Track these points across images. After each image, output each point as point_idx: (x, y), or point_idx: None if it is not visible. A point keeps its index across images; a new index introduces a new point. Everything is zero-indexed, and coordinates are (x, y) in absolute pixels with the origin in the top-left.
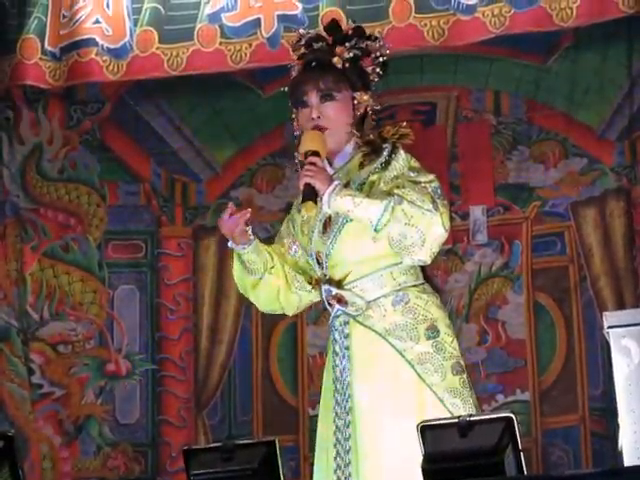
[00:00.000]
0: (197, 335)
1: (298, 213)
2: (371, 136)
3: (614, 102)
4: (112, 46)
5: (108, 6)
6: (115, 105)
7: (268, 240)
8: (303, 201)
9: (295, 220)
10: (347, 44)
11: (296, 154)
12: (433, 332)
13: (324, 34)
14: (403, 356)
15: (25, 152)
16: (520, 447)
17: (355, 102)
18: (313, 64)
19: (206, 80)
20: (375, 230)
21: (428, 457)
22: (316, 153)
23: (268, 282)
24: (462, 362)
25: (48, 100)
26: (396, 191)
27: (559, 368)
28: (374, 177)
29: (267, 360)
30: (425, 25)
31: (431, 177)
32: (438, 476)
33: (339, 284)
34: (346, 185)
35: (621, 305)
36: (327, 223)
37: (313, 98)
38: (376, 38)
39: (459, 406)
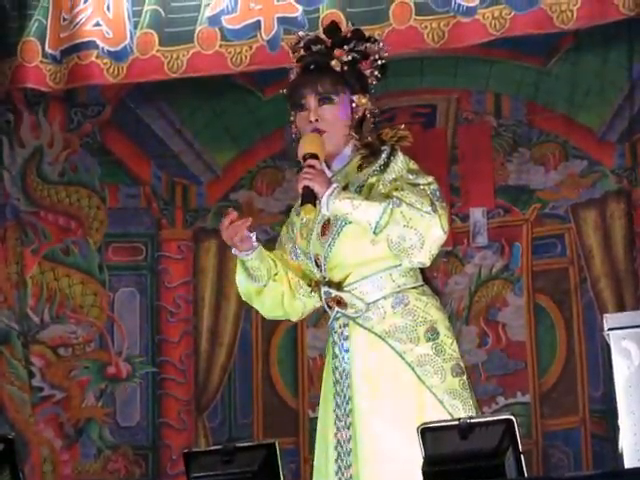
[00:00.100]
0: (197, 338)
1: (297, 216)
2: (370, 139)
3: (614, 104)
4: (112, 49)
5: (108, 9)
6: (115, 108)
7: (268, 242)
8: (302, 204)
9: (294, 223)
10: (346, 47)
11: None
12: (433, 334)
13: (323, 37)
14: (403, 358)
15: (26, 155)
16: (520, 449)
17: (353, 105)
18: (311, 67)
19: (206, 83)
20: (374, 232)
21: (428, 459)
22: (315, 156)
23: (272, 289)
24: (462, 364)
25: (49, 103)
26: (395, 193)
27: (559, 370)
28: (373, 179)
29: (267, 362)
30: (425, 27)
31: (430, 179)
32: (439, 478)
33: (338, 286)
34: (345, 188)
35: (621, 307)
36: (326, 226)
37: (311, 101)
38: (375, 40)
39: (459, 408)
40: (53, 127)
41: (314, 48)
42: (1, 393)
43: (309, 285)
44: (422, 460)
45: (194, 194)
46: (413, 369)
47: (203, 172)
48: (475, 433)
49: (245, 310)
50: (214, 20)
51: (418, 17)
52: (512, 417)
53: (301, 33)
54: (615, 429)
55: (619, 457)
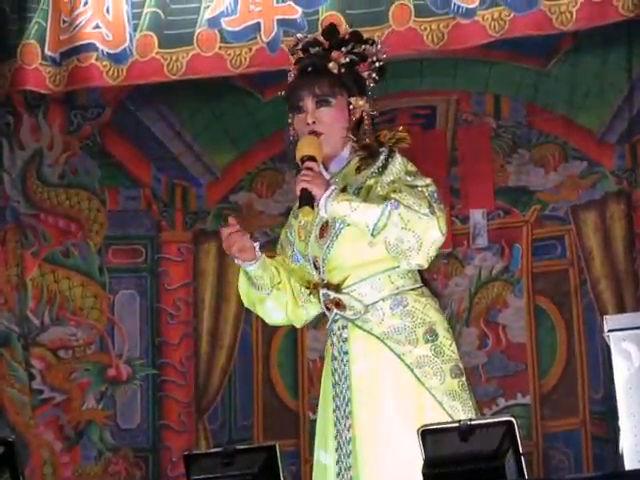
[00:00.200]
0: (197, 340)
1: (295, 219)
2: (368, 140)
3: (614, 105)
4: (112, 51)
5: (108, 11)
6: (115, 110)
7: (268, 244)
8: (300, 206)
9: (292, 226)
10: (343, 49)
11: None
12: (431, 335)
13: (321, 39)
14: (402, 360)
15: (25, 157)
16: (521, 451)
17: (351, 107)
18: (309, 69)
19: (206, 85)
20: (372, 235)
21: (429, 461)
22: (312, 158)
23: (276, 298)
24: (461, 365)
25: (48, 105)
26: (393, 195)
27: (559, 371)
28: (371, 181)
29: (267, 364)
30: (425, 29)
31: (428, 181)
32: None
33: (337, 288)
34: (343, 190)
35: (621, 308)
36: (324, 228)
37: (309, 103)
38: (373, 42)
39: (458, 409)
40: (53, 129)
41: (312, 50)
42: (1, 395)
43: (307, 287)
44: (422, 462)
45: (194, 196)
46: (412, 370)
47: (203, 174)
48: (475, 435)
49: (245, 312)
50: (214, 22)
51: (418, 19)
52: (512, 419)
53: (299, 35)
54: (615, 430)
55: (619, 459)
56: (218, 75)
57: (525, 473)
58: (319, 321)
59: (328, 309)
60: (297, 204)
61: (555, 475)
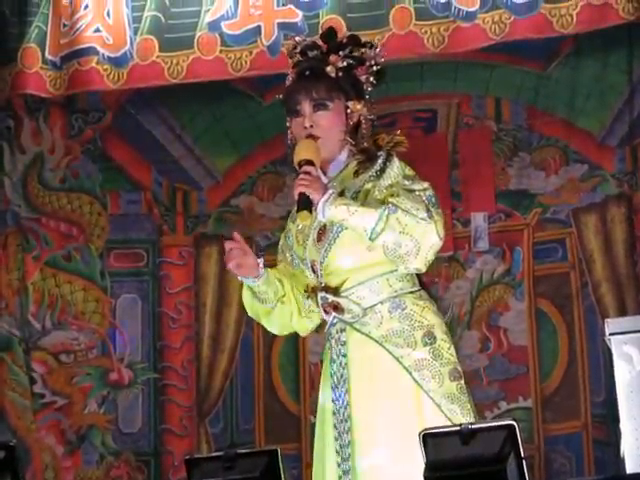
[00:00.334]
0: (199, 344)
1: (293, 223)
2: (366, 144)
3: (615, 108)
4: (112, 55)
5: (108, 15)
6: (116, 114)
7: (269, 247)
8: (298, 211)
9: (290, 230)
10: (341, 53)
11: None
12: (430, 338)
13: (319, 42)
14: (400, 363)
15: (26, 161)
16: (522, 454)
17: (348, 111)
18: (306, 73)
19: (206, 88)
20: (370, 239)
21: (430, 465)
22: (310, 162)
23: (280, 311)
24: (459, 368)
25: (49, 109)
26: (390, 200)
27: (561, 375)
28: (369, 185)
29: (269, 368)
30: (425, 32)
31: (425, 185)
32: None
33: (335, 291)
34: (341, 194)
35: (623, 311)
36: (322, 231)
37: (306, 107)
38: (372, 46)
39: (457, 412)
40: (54, 133)
41: (310, 54)
42: (2, 400)
43: (306, 291)
44: (423, 465)
45: (195, 200)
46: (411, 373)
47: (203, 177)
48: (477, 439)
49: (246, 316)
50: (214, 26)
51: (418, 22)
52: (514, 422)
53: (298, 38)
54: (617, 434)
55: (621, 462)
56: (219, 78)
57: (527, 477)
58: (320, 325)
59: (326, 312)
60: (295, 208)
61: (557, 478)
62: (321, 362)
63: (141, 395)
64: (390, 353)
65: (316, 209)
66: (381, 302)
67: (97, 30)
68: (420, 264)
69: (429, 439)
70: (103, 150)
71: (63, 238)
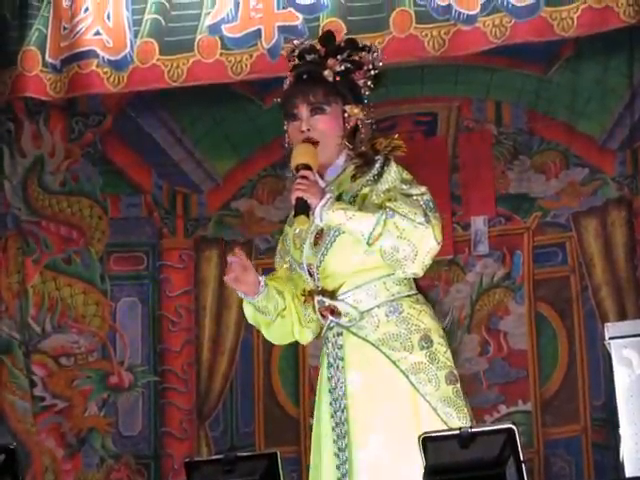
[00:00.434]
0: (199, 347)
1: (290, 227)
2: (363, 148)
3: (615, 112)
4: (113, 58)
5: (109, 18)
6: (116, 117)
7: (268, 251)
8: (295, 215)
9: (288, 234)
10: (339, 56)
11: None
12: (427, 342)
13: (318, 46)
14: (397, 366)
15: (26, 164)
16: (522, 458)
17: (346, 115)
18: (304, 77)
19: (207, 91)
20: (367, 243)
21: (429, 469)
22: (307, 166)
23: (281, 324)
24: (455, 372)
25: (49, 112)
26: (388, 204)
27: (561, 378)
28: (366, 190)
29: (269, 371)
30: (426, 35)
31: (423, 189)
32: None
33: (332, 295)
34: (338, 198)
35: (623, 315)
36: (319, 235)
37: (303, 111)
38: (370, 49)
39: (453, 415)
40: (54, 136)
41: (308, 57)
42: (2, 403)
43: (302, 295)
44: (421, 467)
45: (195, 203)
46: (407, 377)
47: (204, 181)
48: (476, 442)
49: (246, 319)
50: (214, 29)
51: (419, 25)
52: (513, 426)
53: (296, 42)
54: (616, 438)
55: (620, 466)
56: (219, 82)
57: None
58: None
59: (323, 316)
60: (292, 213)
61: None
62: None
63: (141, 398)
64: (387, 357)
65: (313, 213)
66: (378, 306)
67: (97, 33)
68: (417, 269)
69: (428, 443)
70: (103, 153)
71: (63, 241)
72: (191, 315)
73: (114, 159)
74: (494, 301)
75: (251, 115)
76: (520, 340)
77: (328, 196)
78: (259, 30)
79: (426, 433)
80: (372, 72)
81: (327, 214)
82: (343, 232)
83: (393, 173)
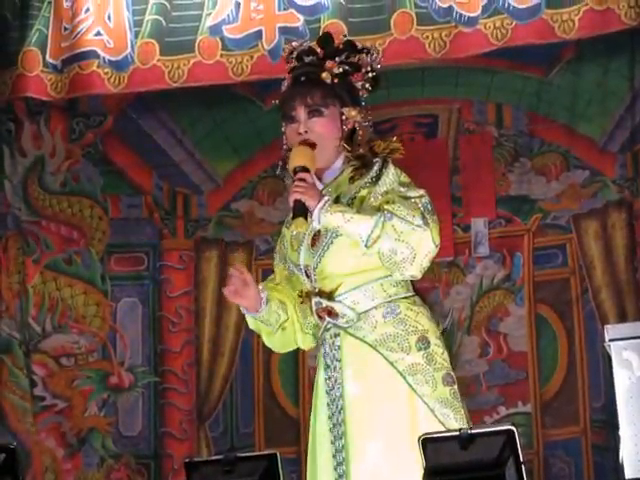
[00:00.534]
0: (199, 347)
1: (287, 229)
2: (362, 150)
3: (616, 114)
4: (113, 58)
5: (109, 18)
6: (117, 118)
7: (268, 252)
8: (294, 217)
9: (285, 236)
10: (337, 59)
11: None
12: (424, 343)
13: (316, 47)
14: (394, 367)
15: (27, 164)
16: (521, 459)
17: (343, 117)
18: (302, 79)
19: (207, 92)
20: (365, 246)
21: (429, 470)
22: (305, 169)
23: (281, 335)
24: (452, 373)
25: (50, 113)
26: (386, 207)
27: (560, 380)
28: (364, 192)
29: (268, 372)
30: (427, 37)
31: (421, 192)
32: None
33: (329, 296)
34: (336, 200)
35: (623, 317)
36: (316, 236)
37: (301, 113)
38: (368, 51)
39: (450, 417)
40: (55, 137)
41: (306, 59)
42: (3, 402)
43: (300, 296)
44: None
45: (195, 204)
46: (405, 378)
47: (204, 182)
48: (476, 443)
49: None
50: (215, 30)
51: (419, 27)
52: (513, 427)
53: (294, 43)
54: (616, 439)
55: (620, 467)
56: (219, 83)
57: None
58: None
59: (320, 318)
60: (290, 215)
61: None
62: None
63: (141, 398)
64: (384, 357)
65: (311, 216)
66: (375, 307)
67: (98, 34)
68: (415, 271)
69: (428, 444)
70: (104, 154)
71: (64, 241)
72: (191, 316)
73: (115, 160)
74: (494, 303)
75: (251, 116)
76: (520, 342)
77: (326, 198)
78: (260, 31)
79: (426, 434)
80: (370, 74)
81: (325, 216)
82: (341, 234)
83: (391, 175)
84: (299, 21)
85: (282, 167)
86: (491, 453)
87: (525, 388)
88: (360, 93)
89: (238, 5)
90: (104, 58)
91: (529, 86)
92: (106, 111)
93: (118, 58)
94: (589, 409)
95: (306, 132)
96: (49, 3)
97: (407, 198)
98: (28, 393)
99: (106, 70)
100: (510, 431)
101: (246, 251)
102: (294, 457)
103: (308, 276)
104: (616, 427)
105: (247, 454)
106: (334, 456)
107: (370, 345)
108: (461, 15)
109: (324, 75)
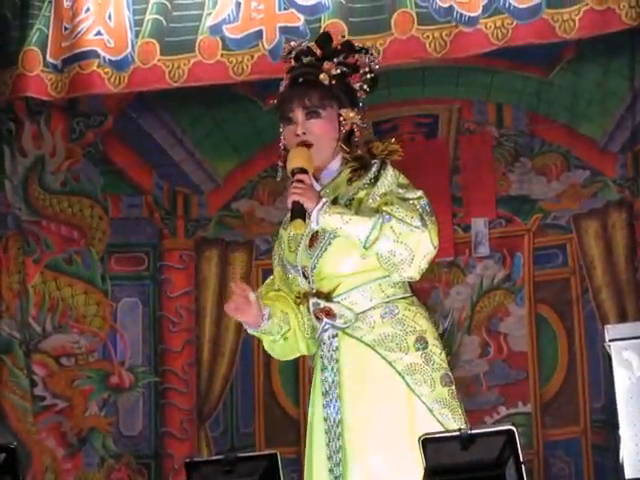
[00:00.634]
0: (199, 347)
1: (285, 230)
2: (360, 152)
3: (616, 114)
4: (114, 58)
5: (110, 18)
6: (117, 118)
7: (268, 252)
8: (292, 219)
9: (282, 237)
10: (335, 60)
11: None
12: (422, 344)
13: (315, 48)
14: (393, 367)
15: (27, 164)
16: (521, 459)
17: (341, 119)
18: (300, 80)
19: (207, 92)
20: (364, 247)
21: (429, 470)
22: (303, 170)
23: (283, 345)
24: (450, 374)
25: (50, 112)
26: (384, 208)
27: (561, 380)
28: (362, 193)
29: (269, 372)
30: (427, 37)
31: (419, 193)
32: None
33: (327, 297)
34: (334, 201)
35: (623, 317)
36: (314, 237)
37: (299, 115)
38: (367, 51)
39: (448, 417)
40: (55, 137)
41: (304, 60)
42: (3, 402)
43: (297, 297)
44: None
45: (195, 204)
46: (403, 377)
47: (204, 181)
48: (476, 444)
49: None
50: (215, 29)
51: (420, 27)
52: (513, 427)
53: (293, 43)
54: (616, 439)
55: (620, 467)
56: (220, 82)
57: None
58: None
59: (318, 319)
60: (287, 216)
61: None
62: None
63: (142, 398)
64: (383, 357)
65: (310, 217)
66: (373, 307)
67: (98, 33)
68: (414, 272)
69: (429, 444)
70: (104, 154)
71: (64, 241)
72: (191, 316)
73: (115, 159)
74: (494, 303)
75: (252, 116)
76: (520, 342)
77: (324, 200)
78: (260, 31)
79: (426, 434)
80: (368, 76)
81: (323, 218)
82: (339, 235)
83: (390, 177)
84: (299, 21)
85: (283, 168)
86: (491, 453)
87: (525, 388)
88: (358, 94)
89: (238, 5)
90: (104, 58)
91: (529, 86)
92: (106, 111)
93: (118, 58)
94: (589, 409)
95: (304, 134)
96: (49, 3)
97: (405, 199)
98: (28, 393)
99: (106, 70)
100: (510, 431)
101: (246, 251)
102: (294, 457)
103: (306, 277)
104: (616, 427)
105: (247, 454)
106: (330, 458)
107: (368, 345)
108: (461, 15)
109: (322, 77)
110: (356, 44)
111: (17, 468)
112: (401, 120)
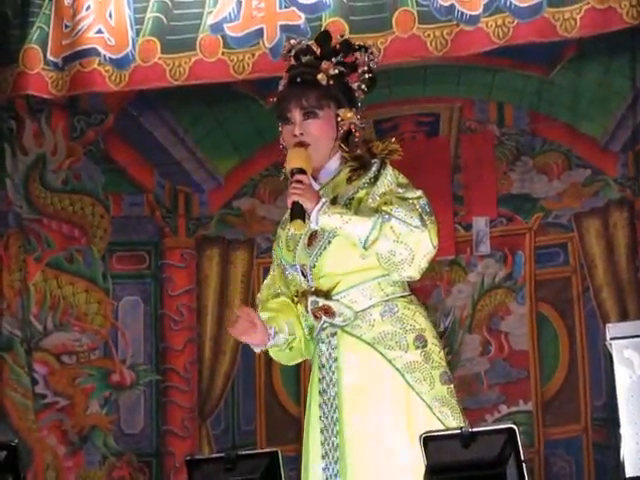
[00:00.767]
0: (201, 346)
1: (283, 230)
2: (359, 151)
3: (618, 114)
4: (114, 56)
5: (110, 16)
6: (118, 116)
7: (269, 250)
8: (292, 219)
9: (280, 237)
10: (334, 59)
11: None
12: (421, 342)
13: (314, 46)
14: (392, 365)
15: (28, 162)
16: (522, 458)
17: (339, 119)
18: (298, 80)
19: (208, 90)
20: (363, 247)
21: (430, 468)
22: (302, 170)
23: (287, 354)
24: (449, 372)
25: (51, 110)
26: (384, 208)
27: (562, 379)
28: (362, 193)
29: (270, 370)
30: (428, 36)
31: (419, 193)
32: None
33: (326, 295)
34: (333, 201)
35: (624, 316)
36: (313, 236)
37: (296, 115)
38: (367, 49)
39: (448, 415)
40: (56, 135)
41: (303, 59)
42: (4, 400)
43: (296, 296)
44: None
45: (197, 202)
46: (403, 375)
47: (205, 180)
48: (477, 442)
49: None
50: (216, 28)
51: (421, 25)
52: (514, 426)
53: (292, 41)
54: (617, 438)
55: (621, 466)
56: (221, 81)
57: None
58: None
59: (316, 317)
60: (285, 216)
61: None
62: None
63: (143, 396)
64: (382, 355)
65: (309, 217)
66: (373, 306)
67: (99, 31)
68: (414, 272)
69: (429, 442)
70: (105, 152)
71: (65, 240)
72: (193, 314)
73: (116, 158)
74: (495, 301)
75: (253, 114)
76: (521, 340)
77: (324, 200)
78: (261, 29)
79: (427, 432)
80: (367, 75)
81: (323, 218)
82: (338, 235)
83: (389, 177)
84: (300, 19)
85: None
86: (492, 452)
87: (526, 387)
88: (356, 94)
89: (239, 3)
90: (105, 56)
91: (530, 85)
92: (107, 109)
93: (119, 56)
94: (590, 408)
95: (301, 134)
96: (50, 1)
97: (405, 199)
98: (29, 391)
99: (107, 68)
100: (511, 430)
101: (247, 249)
102: (295, 455)
103: (304, 275)
104: (617, 425)
105: (248, 452)
106: (325, 455)
107: (368, 343)
108: (463, 13)
109: (320, 77)
110: (355, 42)
111: (18, 466)
112: (402, 119)
